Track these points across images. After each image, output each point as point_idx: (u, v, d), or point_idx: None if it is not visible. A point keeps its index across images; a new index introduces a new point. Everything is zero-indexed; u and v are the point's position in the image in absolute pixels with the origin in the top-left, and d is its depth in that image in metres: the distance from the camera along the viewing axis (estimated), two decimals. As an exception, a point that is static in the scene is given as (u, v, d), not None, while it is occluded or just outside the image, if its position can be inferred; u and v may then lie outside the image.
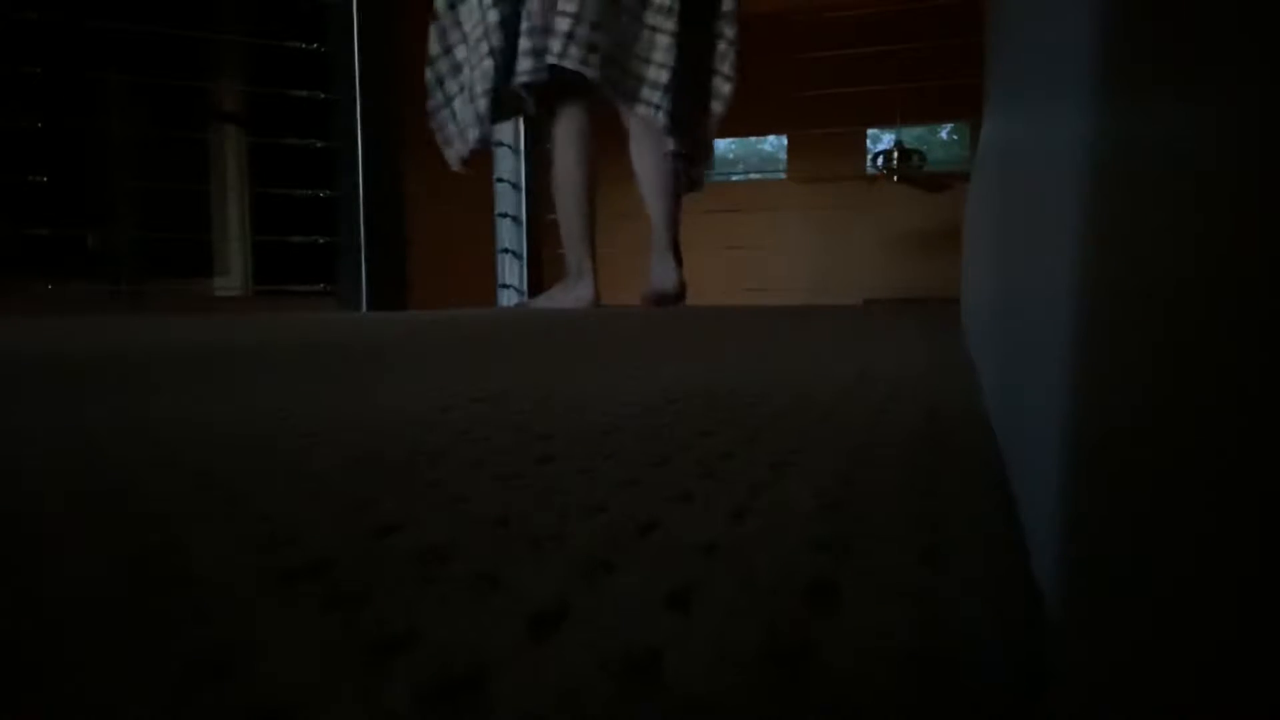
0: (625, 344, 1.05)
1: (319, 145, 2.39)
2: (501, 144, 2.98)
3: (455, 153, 2.11)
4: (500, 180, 3.01)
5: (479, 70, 2.03)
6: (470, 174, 2.21)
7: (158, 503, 0.29)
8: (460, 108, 2.08)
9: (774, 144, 3.69)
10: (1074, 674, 0.15)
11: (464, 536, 0.25)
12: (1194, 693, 0.09)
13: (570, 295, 2.16)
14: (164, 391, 0.60)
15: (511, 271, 3.09)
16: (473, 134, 2.08)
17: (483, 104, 2.04)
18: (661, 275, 2.13)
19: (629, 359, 0.83)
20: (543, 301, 2.28)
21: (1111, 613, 0.13)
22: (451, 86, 2.09)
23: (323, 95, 2.38)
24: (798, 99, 3.40)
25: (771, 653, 0.17)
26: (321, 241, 2.44)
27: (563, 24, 1.92)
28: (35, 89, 2.22)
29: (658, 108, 2.01)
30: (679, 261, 2.15)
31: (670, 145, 2.12)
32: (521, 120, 2.91)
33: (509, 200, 3.05)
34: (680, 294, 2.14)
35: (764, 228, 3.59)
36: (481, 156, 2.22)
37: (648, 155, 2.09)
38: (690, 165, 2.22)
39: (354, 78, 2.35)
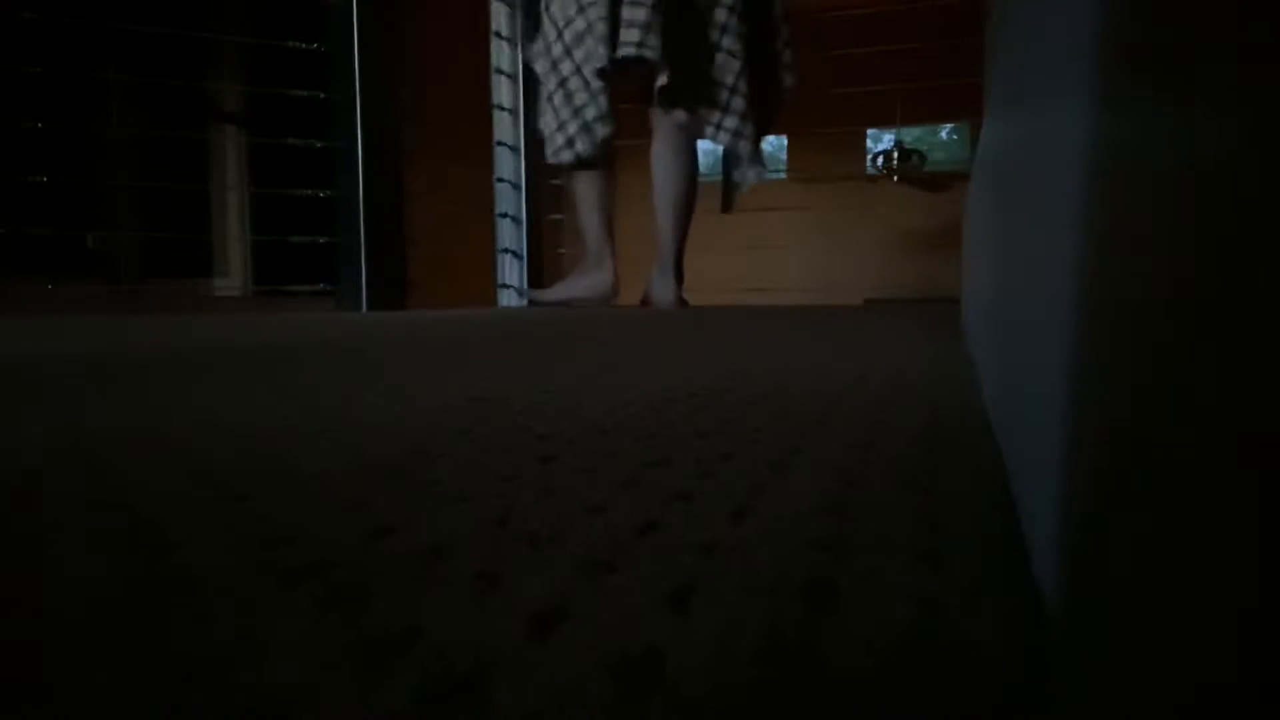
0: (625, 343, 1.05)
1: (319, 145, 2.39)
2: (502, 144, 2.98)
3: (551, 146, 2.07)
4: (500, 180, 3.01)
5: (576, 79, 2.00)
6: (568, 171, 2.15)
7: (158, 502, 0.29)
8: (560, 106, 2.04)
9: (774, 144, 3.69)
10: (1074, 674, 0.15)
11: (464, 536, 0.25)
12: (1194, 693, 0.09)
13: (586, 283, 2.13)
14: (163, 392, 0.60)
15: (511, 271, 3.09)
16: (581, 143, 2.04)
17: (591, 112, 2.01)
18: (660, 290, 2.11)
19: (629, 359, 0.83)
20: (556, 292, 2.25)
21: (1111, 613, 0.13)
22: (550, 83, 2.05)
23: (323, 95, 2.38)
24: (798, 99, 3.40)
25: (771, 653, 0.17)
26: (321, 241, 2.44)
27: (639, 14, 1.90)
28: (35, 89, 2.22)
29: (737, 134, 2.00)
30: (680, 278, 2.12)
31: (763, 174, 2.11)
32: (521, 119, 2.91)
33: (509, 200, 3.05)
34: (683, 303, 2.13)
35: (764, 228, 3.58)
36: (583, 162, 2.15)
37: (670, 165, 2.06)
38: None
39: (354, 78, 2.35)
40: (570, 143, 2.04)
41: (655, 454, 0.37)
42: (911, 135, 3.49)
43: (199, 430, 0.43)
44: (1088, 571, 0.15)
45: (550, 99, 2.04)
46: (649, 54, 1.91)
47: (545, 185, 3.07)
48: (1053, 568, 0.19)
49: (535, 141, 2.91)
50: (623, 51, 1.91)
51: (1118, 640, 0.13)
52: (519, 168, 3.04)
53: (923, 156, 3.46)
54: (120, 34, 2.26)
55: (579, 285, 2.13)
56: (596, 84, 1.99)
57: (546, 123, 2.07)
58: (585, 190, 2.09)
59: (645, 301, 2.16)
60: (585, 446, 0.38)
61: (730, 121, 2.00)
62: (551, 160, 2.10)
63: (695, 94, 1.98)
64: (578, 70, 1.99)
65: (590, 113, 2.02)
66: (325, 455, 0.37)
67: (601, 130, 2.03)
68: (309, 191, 2.43)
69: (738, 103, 1.99)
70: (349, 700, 0.16)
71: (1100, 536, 0.14)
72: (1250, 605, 0.08)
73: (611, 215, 2.12)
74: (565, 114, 2.03)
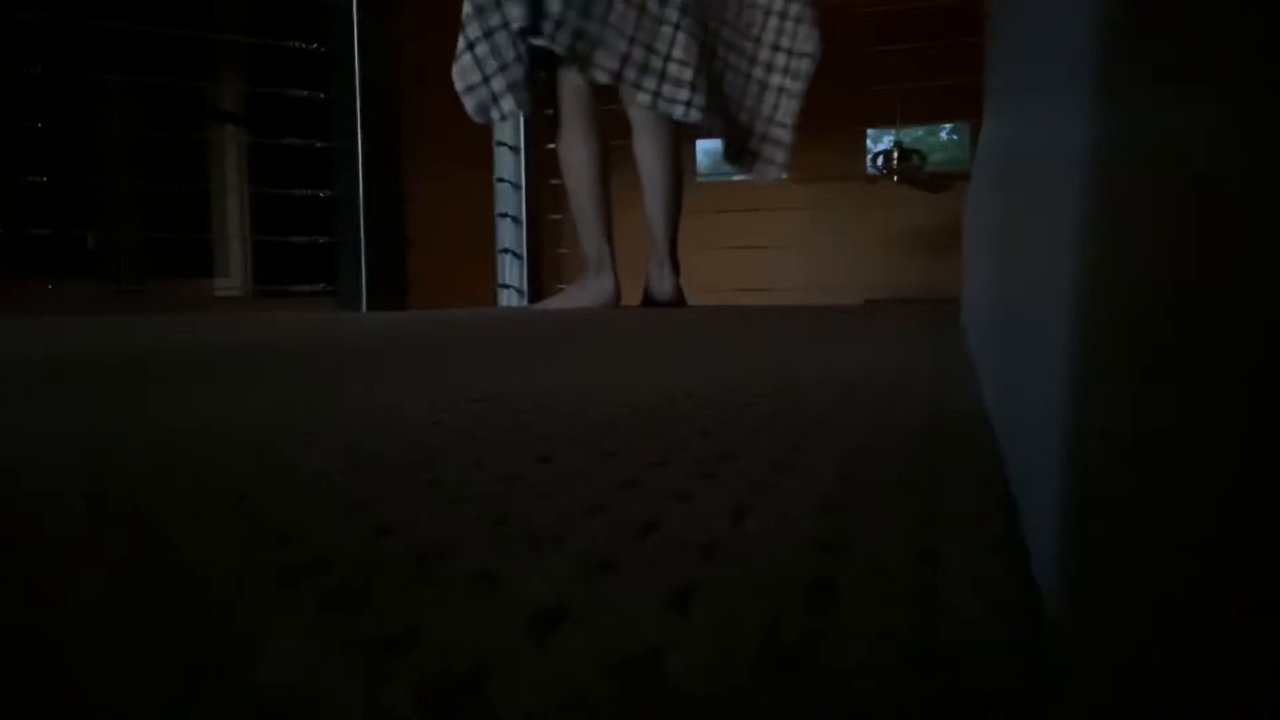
0: (625, 344, 1.05)
1: (319, 145, 2.39)
2: (502, 144, 2.98)
3: (475, 100, 2.03)
4: (500, 180, 3.01)
5: (503, 35, 1.97)
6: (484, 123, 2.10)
7: (158, 502, 0.29)
8: (484, 58, 2.00)
9: (774, 144, 3.69)
10: (1074, 674, 0.15)
11: (464, 536, 0.25)
12: (1194, 693, 0.09)
13: (589, 292, 2.10)
14: (163, 392, 0.60)
15: (511, 271, 3.09)
16: (507, 103, 2.00)
17: (517, 72, 1.97)
18: (658, 283, 2.11)
19: (629, 358, 0.83)
20: (559, 302, 2.24)
21: (1111, 613, 0.13)
22: (472, 30, 2.00)
23: (323, 95, 2.38)
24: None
25: (771, 653, 0.17)
26: (321, 241, 2.44)
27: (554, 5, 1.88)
28: (35, 89, 2.21)
29: (688, 105, 1.97)
30: (676, 269, 2.12)
31: (721, 132, 2.09)
32: (521, 119, 2.90)
33: (509, 200, 3.05)
34: (678, 302, 2.12)
35: (764, 228, 3.58)
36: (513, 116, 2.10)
37: (653, 157, 2.05)
38: (763, 147, 2.19)
39: (354, 78, 2.35)
40: (495, 99, 2.00)
41: (655, 454, 0.37)
42: (911, 135, 3.49)
43: (198, 430, 0.43)
44: (1088, 571, 0.15)
45: (472, 48, 1.98)
46: (557, 47, 1.88)
47: (545, 185, 3.07)
48: (1053, 568, 0.19)
49: (535, 141, 2.91)
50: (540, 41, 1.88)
51: (1117, 640, 0.13)
52: (519, 168, 3.04)
53: (923, 156, 3.46)
54: (120, 34, 2.26)
55: (582, 296, 2.11)
56: (523, 45, 1.96)
57: (465, 74, 1.99)
58: (577, 186, 2.07)
59: (647, 296, 2.15)
60: (585, 446, 0.38)
61: (683, 94, 1.98)
62: (477, 119, 2.04)
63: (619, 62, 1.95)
64: (505, 26, 1.96)
65: (517, 73, 1.98)
66: (325, 455, 0.37)
67: (525, 96, 2.00)
68: (309, 191, 2.42)
69: (675, 70, 1.96)
70: (349, 700, 0.16)
71: (1100, 536, 0.14)
72: (1250, 605, 0.08)
73: (609, 217, 2.10)
74: (491, 68, 1.99)
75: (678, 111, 1.97)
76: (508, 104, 1.98)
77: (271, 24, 2.54)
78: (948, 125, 3.55)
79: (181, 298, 2.51)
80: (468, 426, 0.44)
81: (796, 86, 2.03)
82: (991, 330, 0.51)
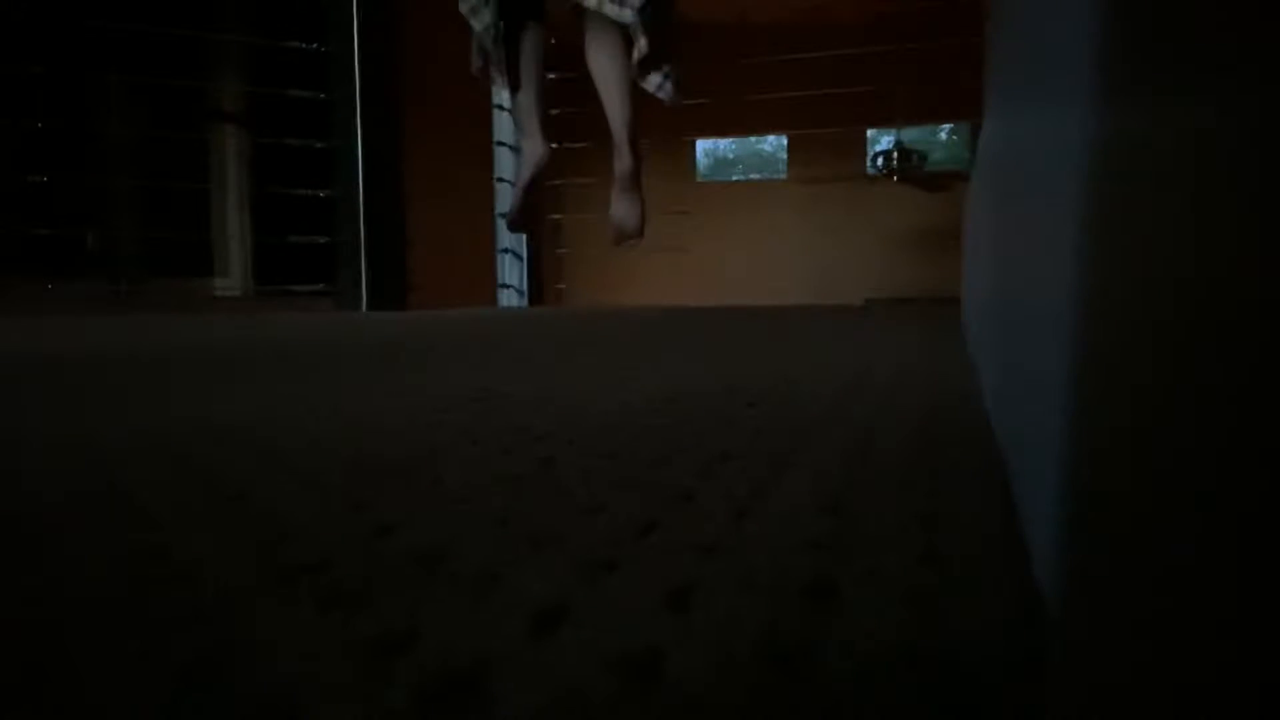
0: (625, 344, 1.05)
1: (319, 145, 2.39)
2: (502, 144, 2.99)
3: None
4: (500, 180, 3.02)
5: None
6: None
7: (158, 501, 0.29)
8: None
9: (774, 144, 3.69)
10: (1074, 673, 0.15)
11: (464, 536, 0.25)
12: (1192, 691, 0.09)
13: (526, 158, 2.23)
14: (165, 391, 0.60)
15: (511, 271, 3.09)
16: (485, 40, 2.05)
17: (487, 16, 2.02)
18: (619, 163, 2.21)
19: (629, 359, 0.83)
20: (516, 192, 2.32)
21: (1111, 612, 0.13)
22: None
23: (322, 95, 2.38)
24: (798, 99, 3.40)
25: (771, 653, 0.17)
26: (321, 241, 2.44)
27: None
28: (35, 89, 2.21)
29: (620, 3, 2.03)
30: (636, 154, 2.21)
31: (643, 48, 2.15)
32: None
33: (509, 200, 3.05)
34: (636, 174, 2.20)
35: (764, 228, 3.58)
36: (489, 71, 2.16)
37: (600, 51, 2.15)
38: (664, 67, 2.25)
39: (354, 78, 2.35)
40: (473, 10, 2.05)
41: (655, 454, 0.37)
42: (911, 135, 3.50)
43: (197, 429, 0.43)
44: (1087, 571, 0.15)
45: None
46: None
47: (545, 185, 3.07)
48: (1053, 568, 0.19)
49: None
50: None
51: (1116, 640, 0.13)
52: (519, 168, 3.05)
53: (923, 156, 3.46)
54: (120, 34, 2.26)
55: (523, 167, 2.22)
56: None
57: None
58: (522, 73, 2.15)
59: (613, 201, 2.24)
60: (585, 446, 0.38)
61: None
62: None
63: None
64: None
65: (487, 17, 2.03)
66: (325, 455, 0.37)
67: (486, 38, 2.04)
68: (309, 191, 2.43)
69: None
70: (349, 699, 0.16)
71: (1099, 536, 0.14)
72: (1248, 604, 0.08)
73: (540, 88, 2.19)
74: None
75: (614, 11, 2.04)
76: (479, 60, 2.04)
77: (271, 24, 2.54)
78: (948, 125, 3.55)
79: (181, 298, 2.51)
80: (468, 426, 0.44)
81: None
82: (991, 330, 0.51)
